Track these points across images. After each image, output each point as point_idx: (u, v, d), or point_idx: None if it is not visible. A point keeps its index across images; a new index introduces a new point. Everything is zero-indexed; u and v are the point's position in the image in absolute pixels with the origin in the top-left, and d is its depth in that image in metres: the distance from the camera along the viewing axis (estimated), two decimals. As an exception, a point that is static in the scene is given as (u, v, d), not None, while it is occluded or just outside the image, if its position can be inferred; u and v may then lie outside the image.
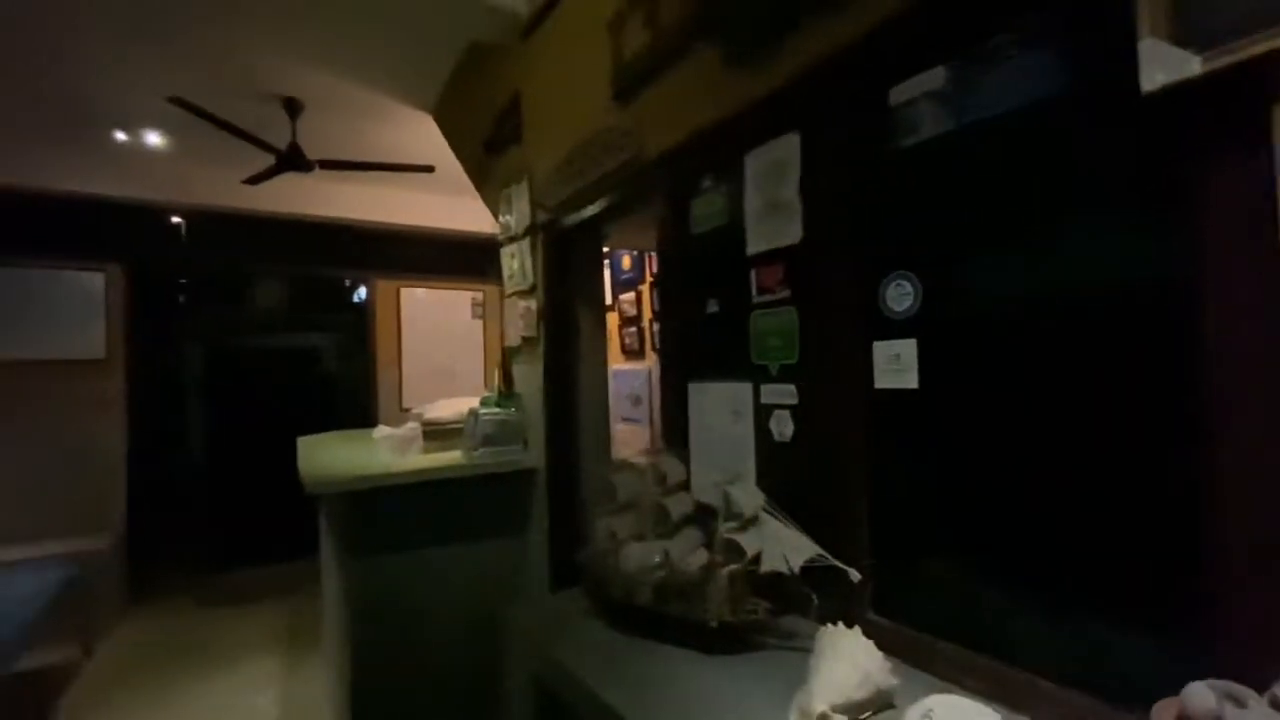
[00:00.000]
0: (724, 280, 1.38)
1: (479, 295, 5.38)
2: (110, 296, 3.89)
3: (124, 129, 3.39)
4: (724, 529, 1.05)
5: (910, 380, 1.02)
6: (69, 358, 3.77)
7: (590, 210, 1.91)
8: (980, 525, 0.99)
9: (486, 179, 2.72)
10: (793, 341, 1.21)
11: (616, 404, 3.61)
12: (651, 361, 3.62)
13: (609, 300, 3.38)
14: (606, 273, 3.02)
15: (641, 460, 1.22)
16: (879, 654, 0.89)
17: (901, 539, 1.07)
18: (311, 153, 3.36)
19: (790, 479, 1.21)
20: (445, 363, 5.14)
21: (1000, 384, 0.96)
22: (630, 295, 3.72)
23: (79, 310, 3.80)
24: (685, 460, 1.42)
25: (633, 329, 3.72)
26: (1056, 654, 0.86)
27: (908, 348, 1.03)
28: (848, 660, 0.87)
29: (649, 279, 3.58)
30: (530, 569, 2.27)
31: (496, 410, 2.30)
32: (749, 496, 1.07)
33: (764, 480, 1.26)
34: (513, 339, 2.44)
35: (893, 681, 0.87)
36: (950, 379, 0.99)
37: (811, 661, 0.90)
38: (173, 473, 4.55)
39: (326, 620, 2.97)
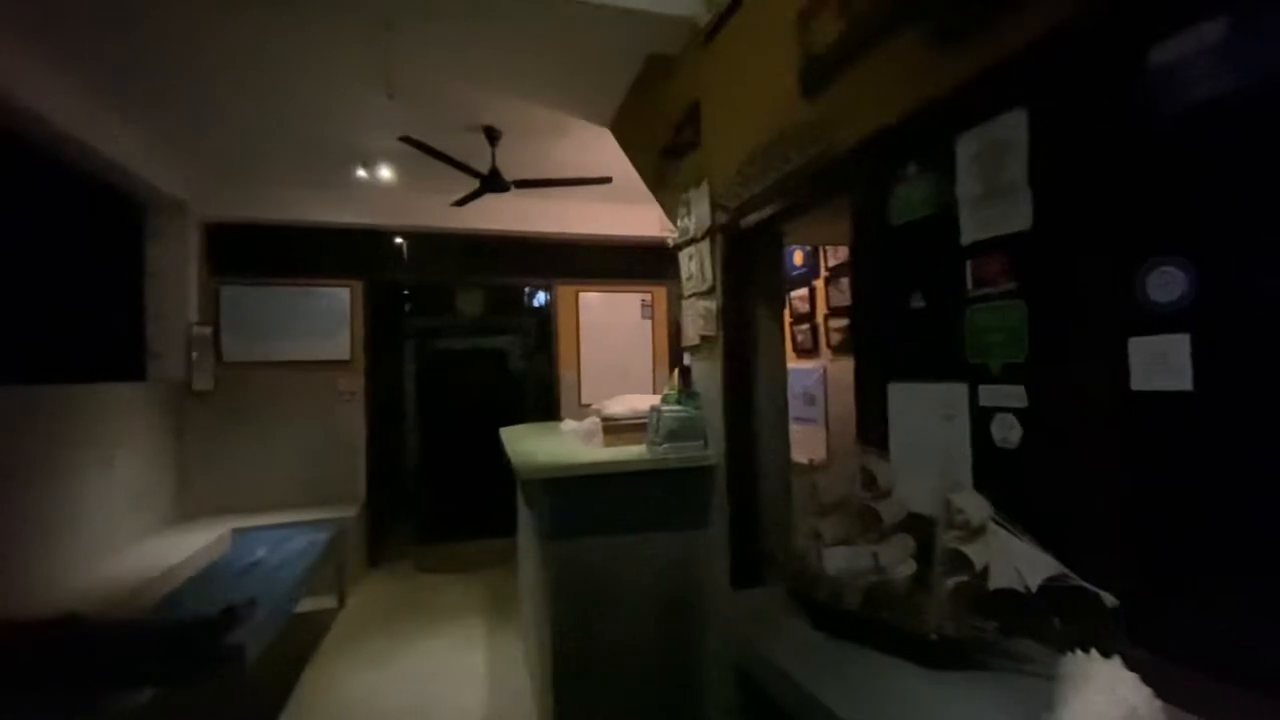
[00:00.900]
0: (930, 273, 1.31)
1: (647, 296, 5.59)
2: (353, 307, 4.72)
3: (364, 167, 4.06)
4: (947, 538, 0.99)
5: (1181, 381, 0.88)
6: (325, 359, 4.63)
7: (772, 208, 1.91)
8: (1283, 555, 0.83)
9: (664, 185, 2.82)
10: (1020, 338, 1.11)
11: (789, 403, 3.53)
12: (826, 359, 3.50)
13: (781, 297, 3.33)
14: (781, 270, 2.97)
15: (851, 462, 1.20)
16: (1146, 689, 0.79)
17: (1171, 562, 0.93)
18: (507, 174, 3.73)
19: (1016, 489, 1.10)
20: (617, 361, 5.42)
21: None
22: (803, 291, 3.62)
23: (332, 320, 4.66)
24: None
25: (805, 326, 3.62)
26: None
27: (1177, 344, 0.89)
28: (1106, 693, 0.78)
29: (824, 274, 3.46)
30: (708, 562, 2.33)
31: (679, 407, 2.38)
32: (976, 505, 1.00)
33: (982, 489, 1.16)
34: (691, 338, 2.51)
35: (1167, 724, 0.77)
36: (1238, 380, 0.84)
37: (1058, 690, 0.82)
38: (396, 455, 5.35)
39: (523, 593, 3.29)
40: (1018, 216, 1.11)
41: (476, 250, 5.08)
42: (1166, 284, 0.91)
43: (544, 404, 5.36)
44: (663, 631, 2.31)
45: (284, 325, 4.54)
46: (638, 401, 2.67)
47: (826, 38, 1.57)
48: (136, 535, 3.55)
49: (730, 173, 2.10)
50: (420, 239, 4.95)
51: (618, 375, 5.32)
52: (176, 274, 4.16)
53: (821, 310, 3.51)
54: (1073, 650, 0.85)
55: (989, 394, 1.17)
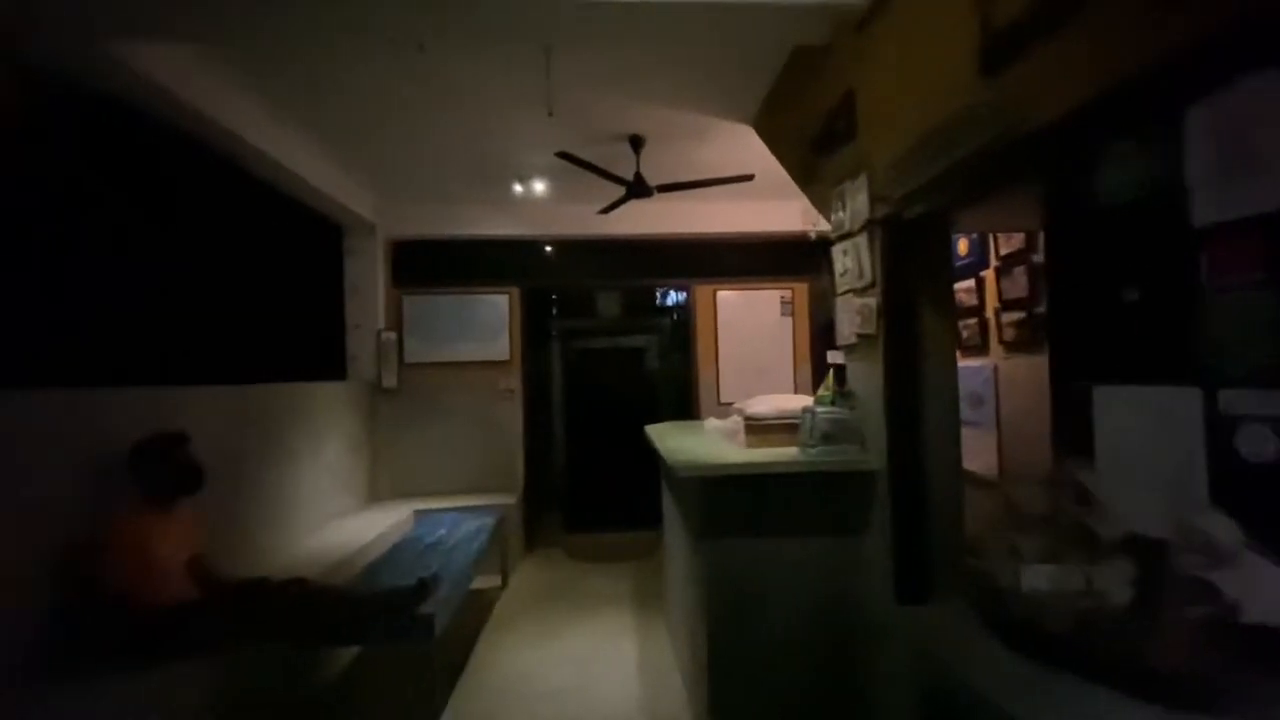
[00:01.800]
0: (1148, 262, 1.16)
1: (787, 294, 5.46)
2: (511, 312, 5.15)
3: (520, 181, 4.38)
4: (1187, 564, 0.88)
5: None
6: (489, 359, 5.10)
7: (943, 197, 1.78)
8: None
9: (814, 178, 2.74)
10: (1276, 335, 0.95)
11: (952, 404, 3.27)
12: (998, 357, 3.19)
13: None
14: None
15: (1056, 474, 1.10)
16: None
17: None
18: (650, 180, 3.83)
19: (1273, 511, 0.94)
20: (756, 359, 5.35)
21: None
22: (968, 283, 3.33)
23: (494, 323, 5.12)
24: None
25: (971, 320, 3.33)
26: None
27: None
28: None
29: (994, 264, 3.16)
30: (867, 571, 2.23)
31: (833, 409, 2.31)
32: (1224, 528, 0.88)
33: (1223, 510, 1.01)
34: (847, 337, 2.41)
35: None
36: None
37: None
38: (546, 448, 5.71)
39: (671, 587, 3.37)
40: (1274, 192, 0.94)
41: (617, 254, 5.30)
42: None
43: (681, 401, 5.44)
44: (820, 639, 2.26)
45: (454, 329, 5.06)
46: (782, 401, 2.61)
47: (1013, 9, 1.44)
48: (338, 513, 4.13)
49: (891, 162, 2.00)
50: (566, 246, 5.26)
51: (756, 374, 5.25)
52: (368, 287, 4.82)
53: (992, 303, 3.21)
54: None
55: (1233, 399, 1.01)
